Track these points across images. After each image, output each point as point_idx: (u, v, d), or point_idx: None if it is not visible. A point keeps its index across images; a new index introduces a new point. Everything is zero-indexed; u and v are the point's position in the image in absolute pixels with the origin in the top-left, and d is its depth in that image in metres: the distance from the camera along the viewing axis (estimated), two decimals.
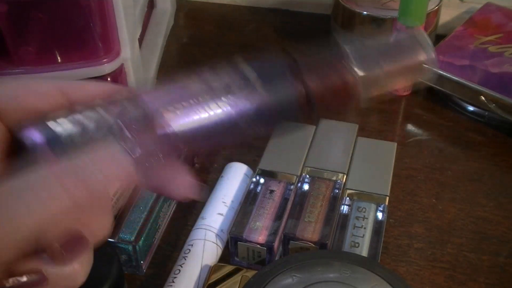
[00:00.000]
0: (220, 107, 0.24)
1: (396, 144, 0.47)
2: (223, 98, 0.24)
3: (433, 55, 0.26)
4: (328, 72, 0.25)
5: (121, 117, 0.24)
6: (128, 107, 0.24)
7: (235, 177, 0.45)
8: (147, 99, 0.24)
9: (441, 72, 0.54)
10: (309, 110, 0.25)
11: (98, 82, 0.27)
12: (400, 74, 0.26)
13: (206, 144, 0.26)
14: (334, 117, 0.26)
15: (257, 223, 0.41)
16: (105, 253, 0.37)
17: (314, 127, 0.48)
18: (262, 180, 0.44)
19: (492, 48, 0.56)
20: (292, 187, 0.43)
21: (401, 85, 0.26)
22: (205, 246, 0.40)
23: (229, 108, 0.24)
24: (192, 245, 0.41)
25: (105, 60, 0.46)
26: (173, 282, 0.38)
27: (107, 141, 0.23)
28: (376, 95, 0.26)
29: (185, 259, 0.40)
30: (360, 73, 0.25)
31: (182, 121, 0.24)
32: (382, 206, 0.42)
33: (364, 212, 0.42)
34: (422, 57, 0.26)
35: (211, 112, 0.24)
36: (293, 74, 0.25)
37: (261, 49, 0.25)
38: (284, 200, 0.42)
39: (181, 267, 0.39)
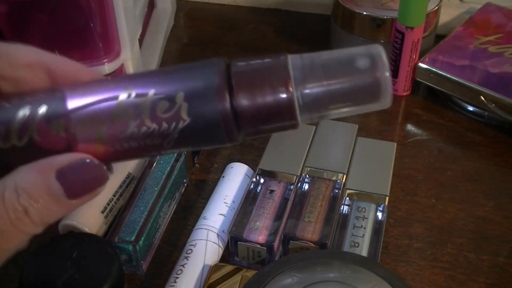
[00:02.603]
0: (145, 128, 0.24)
1: (396, 144, 0.47)
2: (147, 122, 0.24)
3: (387, 75, 0.23)
4: (262, 90, 0.23)
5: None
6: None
7: (237, 178, 0.45)
8: (70, 99, 0.24)
9: (441, 72, 0.54)
10: (233, 132, 0.24)
11: (78, 64, 0.27)
12: (348, 97, 0.24)
13: (127, 156, 0.25)
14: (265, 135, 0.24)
15: (257, 223, 0.41)
16: (105, 253, 0.37)
17: (314, 127, 0.48)
18: (262, 180, 0.44)
19: (492, 48, 0.56)
20: (292, 187, 0.43)
21: (350, 112, 0.24)
22: (207, 246, 0.41)
23: (152, 130, 0.24)
24: (194, 245, 0.41)
25: (105, 60, 0.46)
26: (175, 282, 0.38)
27: None
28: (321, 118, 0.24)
29: (187, 259, 0.40)
30: (300, 92, 0.23)
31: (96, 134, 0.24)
32: (382, 206, 0.42)
33: (364, 212, 0.42)
34: (375, 77, 0.23)
35: (135, 132, 0.24)
36: (221, 93, 0.23)
37: (258, 51, 0.24)
38: (284, 200, 0.42)
39: (183, 267, 0.39)
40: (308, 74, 0.23)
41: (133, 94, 0.24)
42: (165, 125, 0.23)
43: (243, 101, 0.23)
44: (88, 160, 0.24)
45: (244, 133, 0.24)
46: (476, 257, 0.43)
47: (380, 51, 0.23)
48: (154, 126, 0.24)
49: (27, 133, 0.24)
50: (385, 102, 0.24)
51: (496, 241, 0.44)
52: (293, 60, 0.23)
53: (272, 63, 0.24)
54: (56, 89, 0.25)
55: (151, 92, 0.24)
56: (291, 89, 0.23)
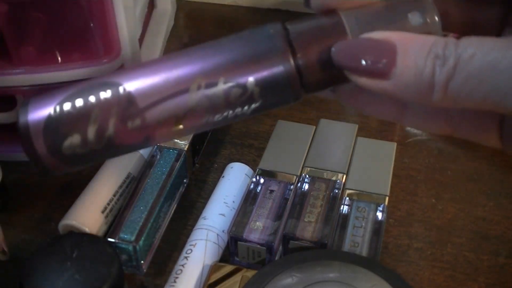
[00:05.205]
0: (219, 115, 0.25)
1: (395, 144, 0.47)
2: (221, 110, 0.25)
3: (437, 19, 0.24)
4: (322, 45, 0.24)
5: None
6: None
7: (237, 178, 0.45)
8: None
9: None
10: (300, 92, 0.25)
11: None
12: None
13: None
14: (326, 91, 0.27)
15: (257, 223, 0.41)
16: (105, 253, 0.37)
17: (314, 127, 0.48)
18: (262, 180, 0.44)
19: None
20: (292, 187, 0.43)
21: None
22: (206, 246, 0.41)
23: (226, 114, 0.25)
24: (193, 245, 0.41)
25: (105, 60, 0.46)
26: (174, 282, 0.38)
27: None
28: None
29: (186, 259, 0.40)
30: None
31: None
32: (382, 206, 0.42)
33: (364, 212, 0.42)
34: (422, 21, 0.24)
35: (210, 120, 0.25)
36: (284, 50, 0.24)
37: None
38: (284, 200, 0.43)
39: (183, 267, 0.39)
40: (363, 28, 0.24)
41: (203, 85, 0.24)
42: (238, 108, 0.25)
43: (307, 63, 0.24)
44: None
45: (307, 90, 0.25)
46: (476, 257, 0.43)
47: (432, 6, 0.24)
48: (228, 111, 0.25)
49: (104, 136, 0.24)
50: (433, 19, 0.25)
51: (496, 241, 0.44)
52: (346, 17, 0.24)
53: (327, 22, 0.25)
54: (113, 82, 0.25)
55: (221, 81, 0.24)
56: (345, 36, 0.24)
